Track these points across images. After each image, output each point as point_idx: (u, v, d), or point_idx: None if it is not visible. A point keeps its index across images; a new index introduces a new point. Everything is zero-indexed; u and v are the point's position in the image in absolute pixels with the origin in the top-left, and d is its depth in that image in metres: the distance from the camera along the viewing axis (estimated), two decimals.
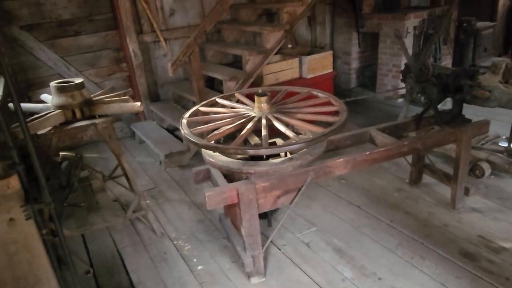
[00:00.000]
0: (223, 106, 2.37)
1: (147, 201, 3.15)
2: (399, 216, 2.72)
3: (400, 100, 4.85)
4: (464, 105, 2.69)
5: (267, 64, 4.13)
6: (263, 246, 2.17)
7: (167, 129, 4.32)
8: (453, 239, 2.44)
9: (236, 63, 4.55)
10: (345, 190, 3.11)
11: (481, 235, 2.45)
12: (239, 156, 2.00)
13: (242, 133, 1.89)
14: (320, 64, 4.47)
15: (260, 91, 2.35)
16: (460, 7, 6.49)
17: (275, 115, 2.00)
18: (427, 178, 3.03)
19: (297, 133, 2.28)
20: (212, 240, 2.62)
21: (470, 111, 2.97)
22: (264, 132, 1.88)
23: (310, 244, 2.52)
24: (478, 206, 2.74)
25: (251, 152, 1.76)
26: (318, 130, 1.88)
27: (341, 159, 2.17)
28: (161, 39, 4.37)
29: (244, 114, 2.07)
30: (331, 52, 4.57)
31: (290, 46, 4.51)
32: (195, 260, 2.45)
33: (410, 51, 4.87)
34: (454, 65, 5.40)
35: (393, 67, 5.01)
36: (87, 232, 2.58)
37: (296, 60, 4.38)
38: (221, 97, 2.39)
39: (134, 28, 4.21)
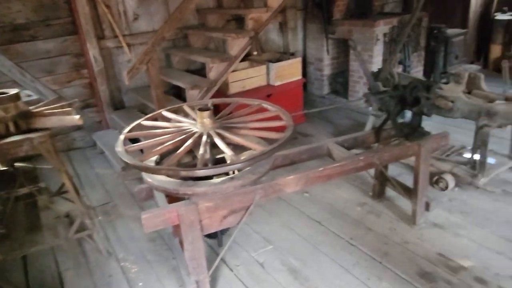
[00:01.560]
0: (173, 119, 2.23)
1: (99, 218, 2.97)
2: (360, 232, 2.62)
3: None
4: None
5: (233, 71, 4.01)
6: (211, 268, 2.04)
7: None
8: (412, 258, 2.34)
9: (204, 70, 4.41)
10: (307, 204, 2.99)
11: (440, 253, 2.36)
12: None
13: (178, 152, 1.75)
14: (288, 71, 4.37)
15: (210, 104, 2.22)
16: (432, 15, 6.52)
17: (218, 131, 1.87)
18: (391, 191, 2.95)
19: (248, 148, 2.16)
20: (161, 261, 2.46)
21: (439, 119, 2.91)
22: (201, 150, 1.74)
23: (264, 264, 2.40)
24: (440, 221, 2.66)
25: (183, 173, 1.62)
26: (259, 148, 1.76)
27: (292, 176, 2.05)
28: (124, 44, 4.20)
29: (186, 129, 1.93)
30: (299, 59, 4.48)
31: (255, 53, 4.40)
32: (140, 284, 2.29)
33: (380, 58, 4.84)
34: (425, 73, 5.37)
35: (364, 74, 4.93)
36: (28, 253, 2.40)
37: (263, 67, 4.27)
38: (168, 110, 2.24)
39: (94, 33, 4.03)
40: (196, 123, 1.94)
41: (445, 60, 5.24)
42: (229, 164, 1.63)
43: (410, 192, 2.62)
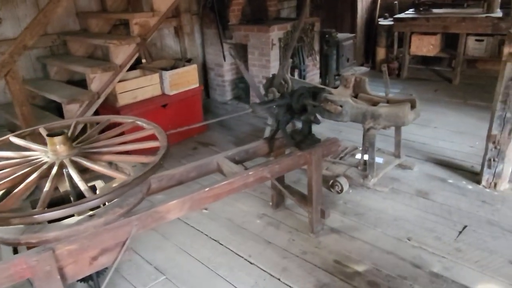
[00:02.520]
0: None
1: None
2: (259, 248, 2.50)
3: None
4: None
5: (122, 81, 3.65)
6: None
7: None
8: (310, 269, 2.29)
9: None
10: (206, 221, 2.80)
11: (337, 260, 2.35)
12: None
13: (16, 191, 1.42)
14: (184, 79, 4.14)
15: (73, 124, 1.89)
16: (324, 20, 6.84)
17: (75, 158, 1.57)
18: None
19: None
20: None
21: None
22: (47, 186, 1.43)
23: None
24: (336, 226, 2.67)
25: (16, 221, 1.29)
26: (121, 177, 1.51)
27: (175, 201, 1.83)
28: None
29: (34, 159, 1.59)
30: (195, 66, 4.28)
31: (144, 61, 4.08)
32: None
33: (277, 63, 4.86)
34: (321, 76, 5.58)
35: (263, 79, 4.92)
36: None
37: (156, 75, 3.98)
38: (18, 135, 1.86)
39: None
40: (48, 151, 1.61)
41: (337, 63, 5.50)
42: (74, 205, 1.34)
43: (306, 200, 2.58)
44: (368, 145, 2.91)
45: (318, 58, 5.39)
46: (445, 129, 4.10)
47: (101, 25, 4.12)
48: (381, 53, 6.36)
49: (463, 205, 2.82)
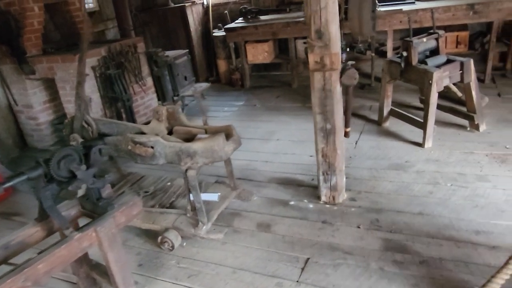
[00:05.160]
0: None
1: None
2: None
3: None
4: None
5: None
6: None
7: None
8: None
9: None
10: None
11: None
12: None
13: None
14: None
15: None
16: (158, 38, 6.32)
17: None
18: None
19: None
20: None
21: None
22: None
23: None
24: None
25: None
26: None
27: None
28: None
29: None
30: None
31: None
32: None
33: (98, 95, 4.12)
34: (159, 99, 5.01)
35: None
36: None
37: None
38: None
39: None
40: None
41: (174, 83, 5.01)
42: None
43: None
44: (191, 189, 2.44)
45: (150, 81, 4.81)
46: (287, 140, 3.94)
47: None
48: (222, 65, 6.10)
49: (305, 231, 2.56)
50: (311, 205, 2.84)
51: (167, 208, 2.76)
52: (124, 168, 3.47)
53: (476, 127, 3.40)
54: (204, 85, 5.45)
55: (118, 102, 4.10)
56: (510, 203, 2.50)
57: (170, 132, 2.73)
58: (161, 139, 2.44)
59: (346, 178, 2.99)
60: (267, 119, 4.56)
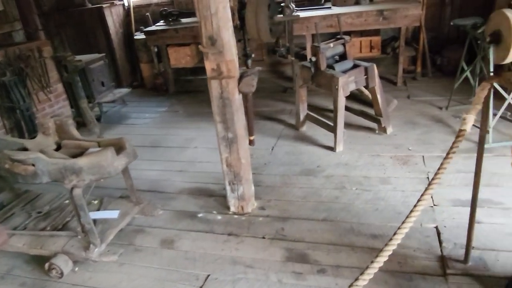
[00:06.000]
0: None
1: None
2: None
3: None
4: None
5: None
6: None
7: None
8: None
9: None
10: None
11: None
12: None
13: None
14: None
15: None
16: (72, 42, 5.91)
17: None
18: None
19: None
20: None
21: None
22: None
23: None
24: None
25: None
26: None
27: None
28: None
29: None
30: None
31: None
32: None
33: None
34: (72, 107, 4.66)
35: None
36: None
37: None
38: None
39: None
40: None
41: (89, 89, 4.69)
42: None
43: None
44: (78, 209, 2.23)
45: (61, 88, 4.46)
46: (204, 147, 3.82)
47: None
48: (145, 69, 5.84)
49: (209, 245, 2.46)
50: (219, 217, 2.74)
51: (59, 230, 2.52)
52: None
53: (384, 130, 3.52)
54: (124, 90, 5.17)
55: (16, 112, 3.72)
56: (406, 205, 2.58)
57: (59, 147, 2.50)
58: (42, 156, 2.20)
59: (258, 186, 2.94)
60: (188, 126, 4.41)
